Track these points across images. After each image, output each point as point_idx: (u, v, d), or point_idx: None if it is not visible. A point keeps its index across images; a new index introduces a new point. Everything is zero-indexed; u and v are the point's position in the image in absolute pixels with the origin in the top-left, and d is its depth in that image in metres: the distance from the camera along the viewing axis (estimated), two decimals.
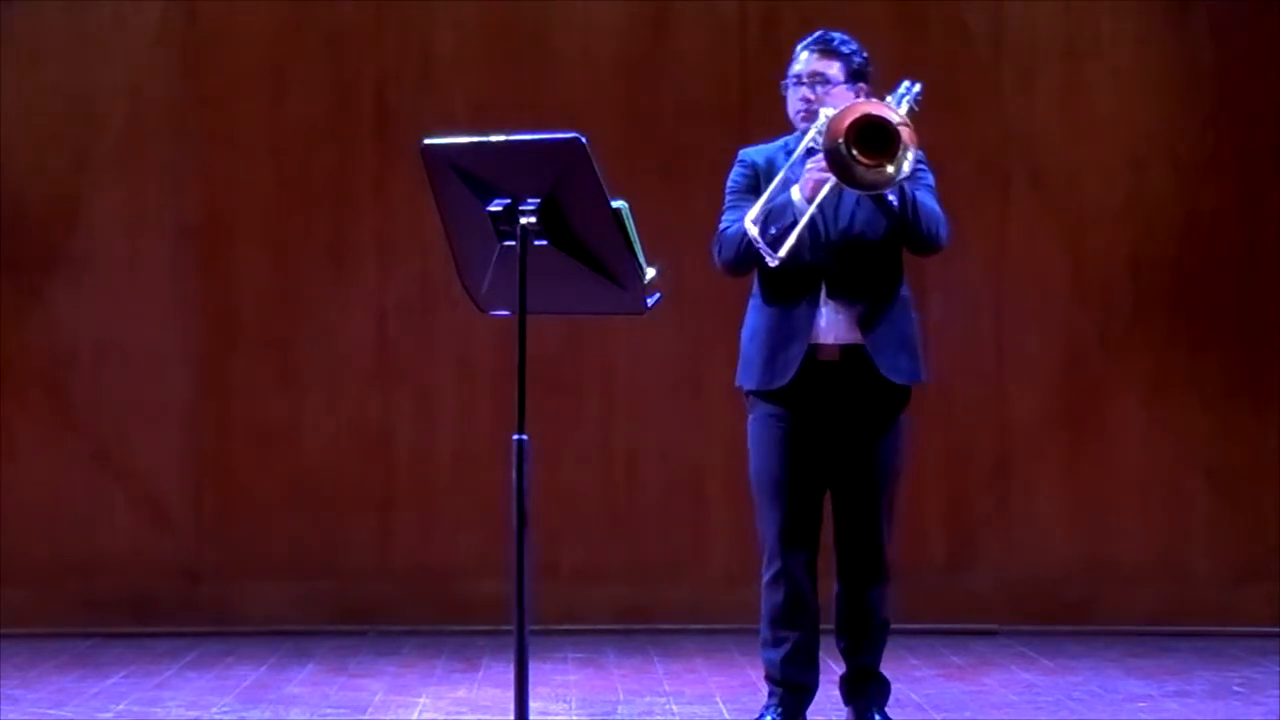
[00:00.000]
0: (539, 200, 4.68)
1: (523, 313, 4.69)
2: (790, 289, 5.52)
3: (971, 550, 8.43)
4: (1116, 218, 8.46)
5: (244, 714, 6.44)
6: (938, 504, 8.39)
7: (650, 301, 4.89)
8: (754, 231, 5.38)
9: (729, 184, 5.70)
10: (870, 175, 5.28)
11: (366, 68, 8.46)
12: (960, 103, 8.44)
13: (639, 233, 4.77)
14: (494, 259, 4.77)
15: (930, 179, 5.61)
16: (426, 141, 4.82)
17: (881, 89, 5.57)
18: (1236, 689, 6.88)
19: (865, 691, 5.68)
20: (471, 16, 8.48)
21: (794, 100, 5.60)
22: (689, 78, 8.46)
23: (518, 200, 4.70)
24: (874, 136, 5.27)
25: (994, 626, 8.23)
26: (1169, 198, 8.45)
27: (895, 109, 5.33)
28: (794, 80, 5.62)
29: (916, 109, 5.44)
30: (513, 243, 4.70)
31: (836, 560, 5.64)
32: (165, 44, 8.42)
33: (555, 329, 7.90)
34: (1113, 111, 8.46)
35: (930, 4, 8.48)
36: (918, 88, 5.48)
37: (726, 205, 5.67)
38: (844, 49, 5.63)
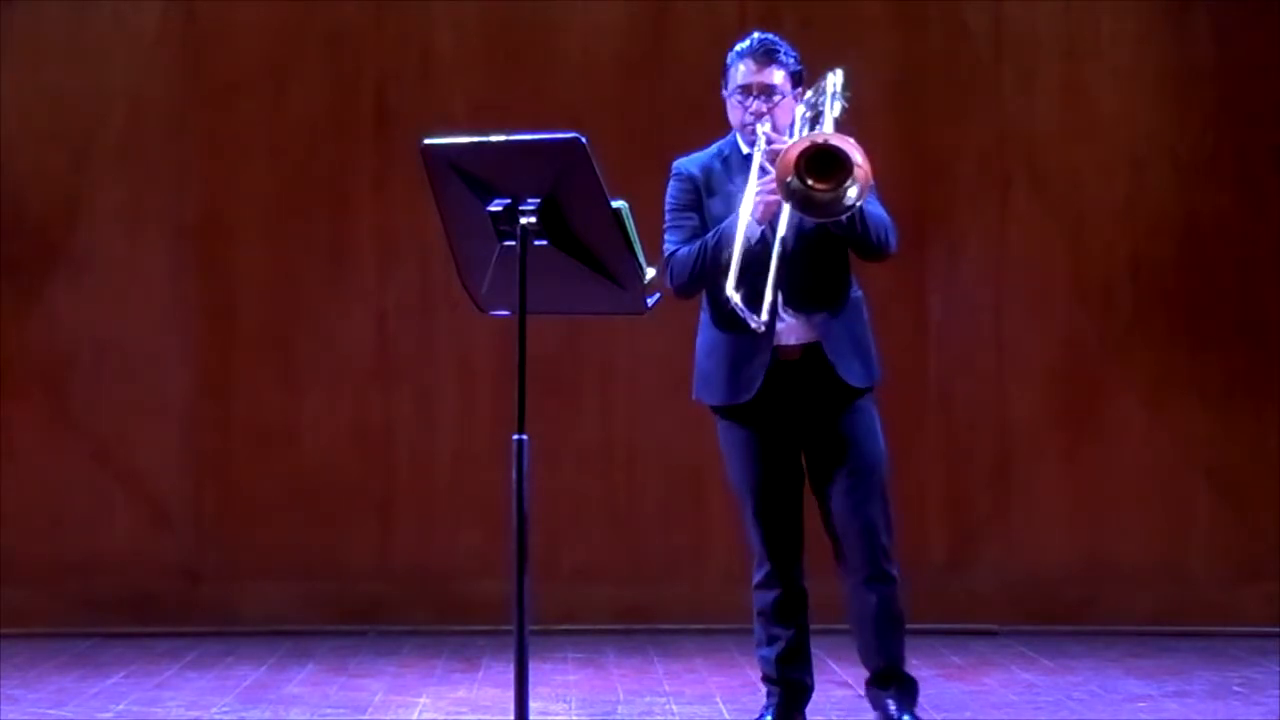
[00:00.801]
0: (539, 200, 4.68)
1: (523, 313, 4.69)
2: (748, 299, 5.42)
3: (971, 550, 8.44)
4: (1116, 218, 8.46)
5: (244, 714, 6.44)
6: (938, 504, 8.39)
7: (650, 301, 4.89)
8: (737, 299, 5.29)
9: (668, 200, 5.62)
10: (828, 197, 5.23)
11: (366, 68, 8.46)
12: (960, 103, 8.45)
13: (639, 233, 4.77)
14: (494, 259, 4.77)
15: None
16: (426, 141, 4.82)
17: (871, 92, 5.54)
18: (1236, 689, 6.88)
19: (891, 692, 5.61)
20: (471, 16, 8.48)
21: (743, 113, 5.52)
22: (689, 78, 8.44)
23: (518, 200, 4.70)
24: (825, 163, 5.21)
25: (994, 626, 8.23)
26: (1169, 198, 8.45)
27: (843, 138, 5.22)
28: (739, 91, 5.54)
29: (848, 104, 5.40)
30: (513, 243, 4.70)
31: (837, 560, 5.62)
32: (165, 44, 8.42)
33: (555, 329, 7.90)
34: (1113, 111, 8.47)
35: (930, 4, 8.49)
36: (840, 75, 5.41)
37: (668, 224, 5.60)
38: (786, 57, 5.55)
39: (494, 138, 4.78)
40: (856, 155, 5.18)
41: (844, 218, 5.32)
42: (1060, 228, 8.47)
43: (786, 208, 5.30)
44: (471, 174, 4.75)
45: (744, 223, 5.37)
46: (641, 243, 4.78)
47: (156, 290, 8.40)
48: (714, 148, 5.65)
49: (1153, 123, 8.47)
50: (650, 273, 4.81)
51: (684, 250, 5.51)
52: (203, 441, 8.41)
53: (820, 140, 5.23)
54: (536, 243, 4.70)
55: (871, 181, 5.30)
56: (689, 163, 5.65)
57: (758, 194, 5.38)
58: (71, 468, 8.35)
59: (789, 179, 5.19)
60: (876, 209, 5.48)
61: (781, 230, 5.35)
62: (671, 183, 5.64)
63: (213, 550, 8.39)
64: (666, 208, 5.63)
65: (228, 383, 8.42)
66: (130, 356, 8.38)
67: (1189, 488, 8.41)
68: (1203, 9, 8.44)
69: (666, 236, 5.59)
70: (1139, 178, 8.46)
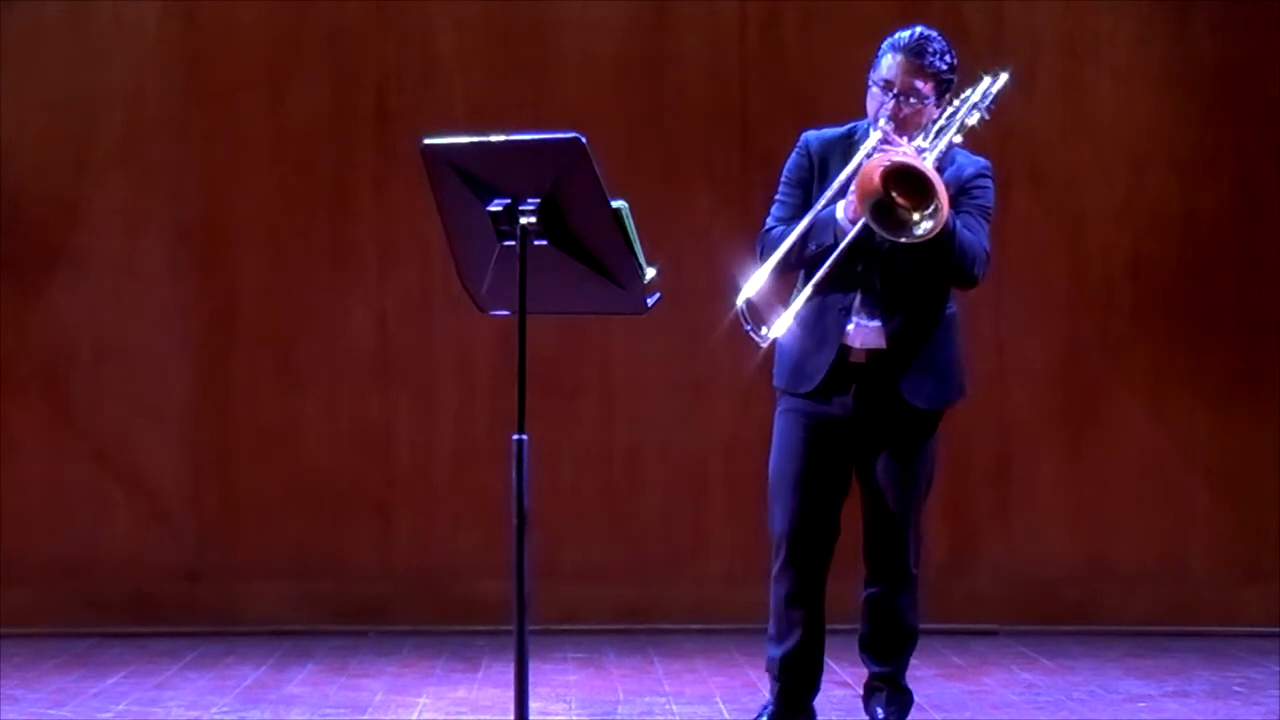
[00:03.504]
0: (539, 200, 4.68)
1: (523, 313, 4.69)
2: (827, 294, 5.38)
3: (971, 550, 8.44)
4: (1116, 218, 8.46)
5: (244, 714, 6.44)
6: (938, 504, 8.32)
7: (650, 301, 4.88)
8: (741, 304, 5.24)
9: (785, 170, 5.51)
10: (902, 216, 5.10)
11: (366, 68, 8.46)
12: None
13: (639, 232, 4.77)
14: (494, 259, 4.77)
15: (986, 198, 5.45)
16: (426, 141, 4.82)
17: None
18: (1236, 689, 6.88)
19: (885, 701, 5.60)
20: (471, 16, 8.48)
21: (878, 106, 5.36)
22: (689, 78, 8.46)
23: (518, 200, 4.69)
24: (912, 184, 5.11)
25: (994, 626, 8.23)
26: (1169, 198, 8.45)
27: (933, 172, 5.14)
28: (882, 84, 5.35)
29: (987, 116, 5.33)
30: (513, 243, 4.70)
31: (865, 566, 5.58)
32: (165, 44, 8.42)
33: (555, 329, 7.90)
34: (1113, 111, 8.46)
35: (930, 4, 8.46)
36: (994, 83, 5.35)
37: (778, 195, 5.50)
38: (939, 62, 5.35)
39: (494, 138, 4.78)
40: (940, 189, 5.08)
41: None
42: (1060, 228, 8.47)
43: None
44: (471, 174, 4.75)
45: (836, 185, 5.29)
46: (641, 242, 4.78)
47: (156, 290, 8.40)
48: (846, 127, 5.50)
49: (1153, 123, 8.47)
50: (650, 273, 4.81)
51: (778, 231, 5.41)
52: (203, 441, 8.41)
53: (908, 163, 5.11)
54: (536, 243, 4.70)
55: (981, 175, 5.34)
56: (815, 136, 5.50)
57: (851, 191, 5.24)
58: (71, 468, 8.35)
59: (875, 196, 5.09)
60: (977, 236, 5.37)
61: (850, 235, 5.24)
62: (793, 153, 5.52)
63: (213, 550, 8.39)
64: (781, 178, 5.52)
65: (228, 383, 8.42)
66: (130, 356, 8.38)
67: (1189, 488, 8.42)
68: (1203, 9, 8.44)
69: (772, 210, 5.50)
70: (1139, 178, 8.46)
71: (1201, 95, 8.45)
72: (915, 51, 5.34)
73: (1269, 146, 8.40)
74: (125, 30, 8.41)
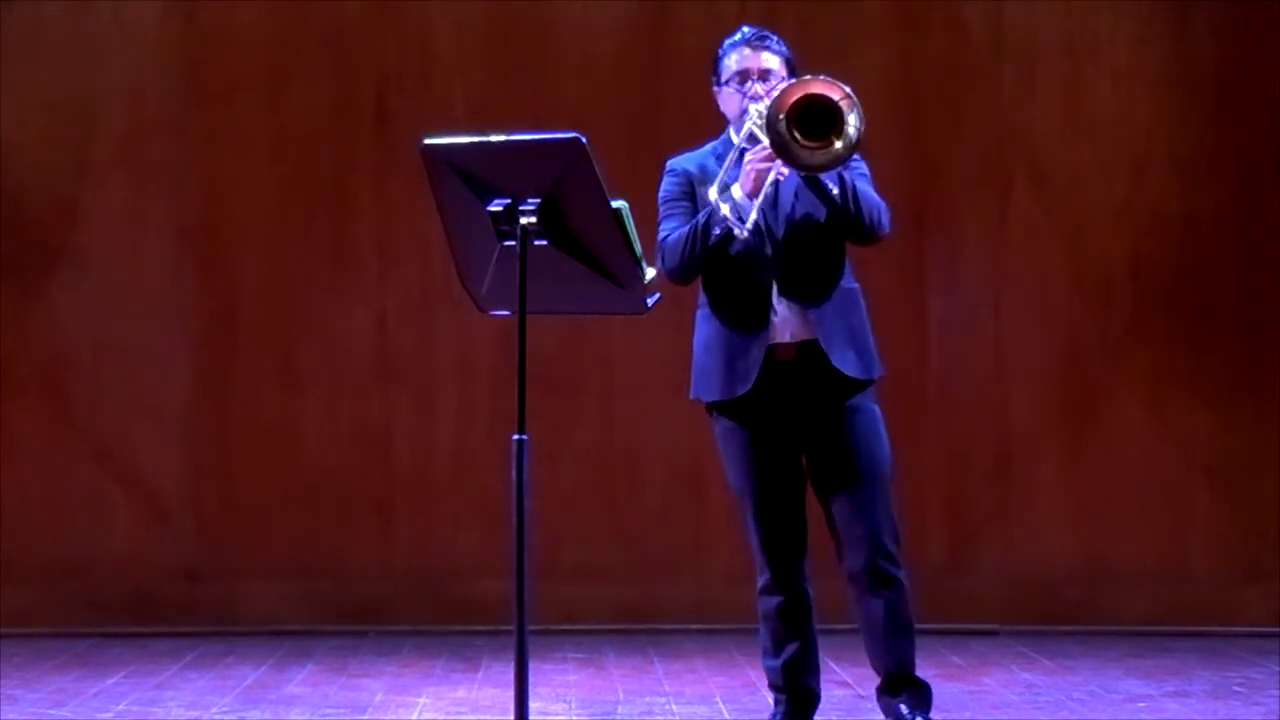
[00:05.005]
0: (539, 200, 4.68)
1: (523, 313, 4.69)
2: (741, 292, 5.42)
3: (971, 550, 8.44)
4: (1116, 218, 8.46)
5: (244, 714, 6.44)
6: (938, 504, 8.39)
7: (650, 301, 4.89)
8: (725, 209, 5.27)
9: (660, 194, 5.56)
10: (817, 158, 5.20)
11: (366, 68, 8.46)
12: (960, 103, 8.45)
13: (639, 233, 4.77)
14: (494, 259, 4.77)
15: (864, 168, 5.49)
16: (426, 141, 4.82)
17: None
18: (1236, 689, 6.88)
19: (903, 697, 5.51)
20: (471, 16, 8.48)
21: (741, 99, 5.43)
22: (689, 78, 8.43)
23: (518, 200, 4.70)
24: (815, 118, 5.15)
25: (994, 626, 8.23)
26: (1169, 198, 8.45)
27: (838, 83, 5.18)
28: (736, 78, 5.46)
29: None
30: (513, 243, 4.70)
31: (841, 563, 5.54)
32: (165, 44, 8.43)
33: (555, 329, 7.90)
34: (1113, 111, 8.47)
35: (930, 4, 8.49)
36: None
37: (662, 216, 5.53)
38: (779, 45, 5.50)
39: (494, 138, 4.78)
40: (852, 117, 5.13)
41: (833, 189, 5.28)
42: (1060, 228, 8.47)
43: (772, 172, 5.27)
44: (471, 174, 4.75)
45: (720, 180, 5.34)
46: (641, 243, 4.78)
47: (156, 290, 8.41)
48: (707, 147, 5.59)
49: (1153, 123, 8.47)
50: (650, 273, 4.81)
51: (676, 233, 5.44)
52: (203, 441, 8.41)
53: (817, 91, 5.16)
54: (536, 243, 4.70)
55: (859, 135, 5.30)
56: (682, 160, 5.59)
57: (748, 162, 5.31)
58: (71, 468, 8.36)
59: (780, 117, 5.14)
60: (870, 191, 5.42)
61: (769, 179, 5.29)
62: (664, 179, 5.58)
63: (213, 550, 8.39)
64: (659, 201, 5.56)
65: (228, 383, 8.43)
66: (130, 356, 8.38)
67: (1189, 488, 8.42)
68: (1203, 9, 8.44)
69: (660, 226, 5.53)
70: (1139, 178, 8.46)
71: (1201, 95, 8.46)
72: (758, 38, 5.51)
73: (1269, 146, 8.41)
74: (125, 30, 8.41)
